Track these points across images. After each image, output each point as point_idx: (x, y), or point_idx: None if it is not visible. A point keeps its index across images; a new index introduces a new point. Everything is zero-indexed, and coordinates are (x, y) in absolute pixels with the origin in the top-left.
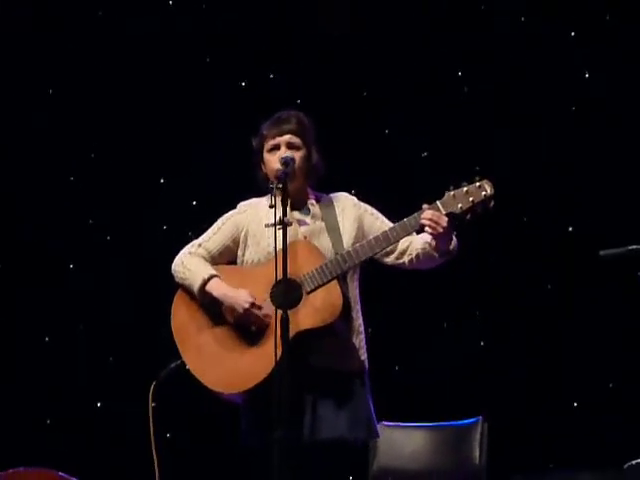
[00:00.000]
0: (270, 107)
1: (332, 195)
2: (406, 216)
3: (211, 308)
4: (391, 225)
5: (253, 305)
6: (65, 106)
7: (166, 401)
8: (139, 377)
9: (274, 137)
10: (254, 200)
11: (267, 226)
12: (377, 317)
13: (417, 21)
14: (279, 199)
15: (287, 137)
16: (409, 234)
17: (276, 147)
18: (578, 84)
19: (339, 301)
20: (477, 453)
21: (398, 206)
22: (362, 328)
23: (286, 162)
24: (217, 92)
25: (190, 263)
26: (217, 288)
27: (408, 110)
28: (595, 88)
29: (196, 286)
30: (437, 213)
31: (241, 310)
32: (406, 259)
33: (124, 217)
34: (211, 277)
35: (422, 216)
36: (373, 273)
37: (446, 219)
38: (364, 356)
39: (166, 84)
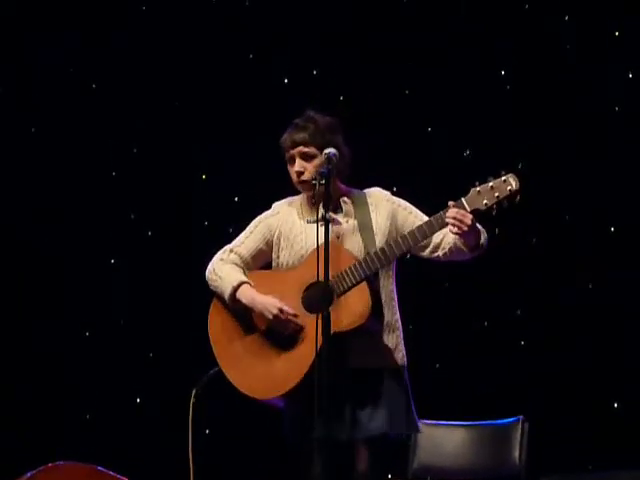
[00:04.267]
0: (313, 103)
1: (365, 191)
2: (437, 210)
3: (244, 314)
4: (424, 218)
5: (282, 311)
6: (108, 101)
7: (206, 405)
8: (179, 372)
9: (288, 150)
10: (288, 200)
11: (309, 222)
12: (418, 314)
13: (461, 20)
14: (320, 196)
15: (299, 149)
16: (435, 232)
17: (292, 159)
18: (622, 83)
19: (368, 303)
20: (517, 453)
21: (440, 206)
22: (399, 324)
23: (329, 158)
24: (261, 88)
25: (221, 270)
26: (246, 295)
27: (451, 108)
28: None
29: (227, 294)
30: (461, 211)
31: (270, 316)
32: (440, 253)
33: (165, 213)
34: (240, 284)
35: (447, 215)
36: (413, 269)
37: (471, 217)
38: (402, 352)
39: (209, 80)
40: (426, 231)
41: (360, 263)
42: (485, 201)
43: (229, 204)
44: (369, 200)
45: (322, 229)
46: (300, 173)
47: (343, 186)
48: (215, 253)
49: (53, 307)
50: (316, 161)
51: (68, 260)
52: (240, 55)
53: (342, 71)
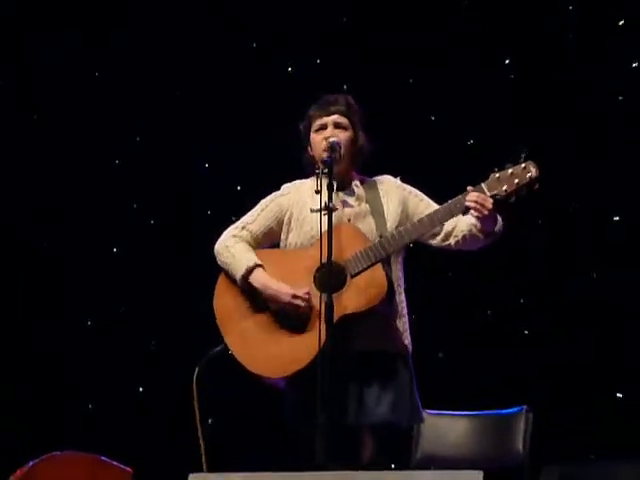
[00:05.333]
0: (316, 92)
1: (376, 178)
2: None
3: (254, 294)
4: (436, 207)
5: (295, 297)
6: (110, 89)
7: (209, 386)
8: (181, 361)
9: (321, 117)
10: (298, 182)
11: (312, 211)
12: (421, 303)
13: (465, 8)
14: (325, 184)
15: (334, 117)
16: (453, 216)
17: (323, 127)
18: (626, 72)
19: (384, 284)
20: (521, 443)
21: (444, 195)
22: (405, 310)
23: (333, 147)
24: (263, 77)
25: (235, 248)
26: (259, 280)
27: (454, 97)
28: None
29: (239, 275)
30: (482, 195)
31: (282, 303)
32: (452, 241)
33: (168, 201)
34: (254, 267)
35: (467, 198)
36: (418, 258)
37: (491, 201)
38: (408, 339)
39: (211, 67)
40: (444, 215)
41: (376, 245)
42: (505, 187)
43: (232, 192)
44: (380, 186)
45: (334, 212)
46: (332, 137)
47: (355, 173)
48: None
49: (54, 298)
50: (347, 134)
51: (69, 248)
52: (242, 42)
53: (345, 60)
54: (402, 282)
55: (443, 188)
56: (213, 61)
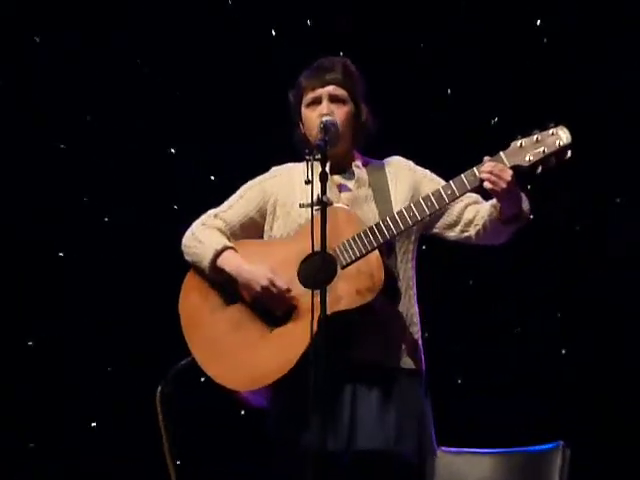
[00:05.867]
0: (304, 59)
1: (384, 160)
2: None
3: (226, 288)
4: None
5: (273, 284)
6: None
7: (176, 405)
8: (144, 381)
9: (314, 89)
10: (289, 165)
11: (302, 206)
12: (435, 318)
13: None
14: (317, 173)
15: (330, 88)
16: (467, 191)
17: (316, 100)
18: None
19: (379, 274)
20: None
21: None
22: (418, 318)
23: (326, 127)
24: (242, 37)
25: (202, 234)
26: (230, 262)
27: (476, 66)
28: None
29: (207, 260)
30: (499, 165)
31: (258, 288)
32: (473, 231)
33: (124, 194)
34: (224, 249)
35: (481, 169)
36: (431, 262)
37: (510, 172)
38: (420, 353)
39: (177, 34)
40: (455, 190)
41: (371, 229)
42: (529, 156)
43: (204, 184)
44: (388, 168)
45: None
46: (327, 115)
47: (357, 153)
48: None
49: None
50: (346, 109)
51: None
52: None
53: (337, 19)
54: (414, 284)
55: (455, 169)
56: (178, 26)
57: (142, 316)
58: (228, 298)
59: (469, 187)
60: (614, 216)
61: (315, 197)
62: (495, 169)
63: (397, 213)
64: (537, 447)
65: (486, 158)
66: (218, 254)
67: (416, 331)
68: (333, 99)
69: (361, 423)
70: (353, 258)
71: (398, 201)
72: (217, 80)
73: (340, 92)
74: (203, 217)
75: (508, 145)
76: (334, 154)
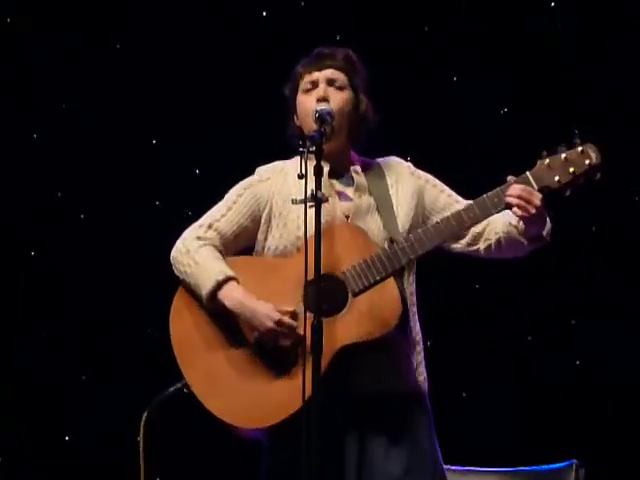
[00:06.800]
0: (299, 46)
1: (380, 160)
2: (480, 193)
3: (223, 315)
4: (460, 200)
5: (280, 323)
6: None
7: (162, 436)
8: (126, 403)
9: (311, 73)
10: (278, 164)
11: (294, 202)
12: (437, 327)
13: None
14: (311, 166)
15: (328, 72)
16: (490, 216)
17: (314, 85)
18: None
19: (398, 307)
20: None
21: (469, 180)
22: (420, 337)
23: (322, 117)
24: (229, 22)
25: (199, 254)
26: (232, 297)
27: (482, 50)
28: None
29: (206, 290)
30: (528, 189)
31: (263, 329)
32: (482, 245)
33: (102, 190)
34: (226, 280)
35: (508, 193)
36: (431, 267)
37: (540, 196)
38: (424, 374)
39: (159, 24)
40: (478, 213)
41: (387, 253)
42: (557, 177)
43: (188, 178)
44: (387, 173)
45: (324, 206)
46: (323, 99)
47: (354, 154)
48: (171, 245)
49: None
50: (344, 95)
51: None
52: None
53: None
54: (415, 299)
55: (471, 175)
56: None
57: (120, 320)
58: (227, 324)
59: (493, 211)
60: (614, 216)
61: (309, 193)
62: (524, 193)
63: (415, 235)
64: (549, 466)
65: (511, 178)
66: (219, 286)
67: (419, 351)
68: (330, 83)
69: (369, 461)
70: (366, 284)
71: (402, 211)
72: (202, 71)
73: (339, 76)
74: (194, 229)
75: (534, 163)
76: (329, 152)
